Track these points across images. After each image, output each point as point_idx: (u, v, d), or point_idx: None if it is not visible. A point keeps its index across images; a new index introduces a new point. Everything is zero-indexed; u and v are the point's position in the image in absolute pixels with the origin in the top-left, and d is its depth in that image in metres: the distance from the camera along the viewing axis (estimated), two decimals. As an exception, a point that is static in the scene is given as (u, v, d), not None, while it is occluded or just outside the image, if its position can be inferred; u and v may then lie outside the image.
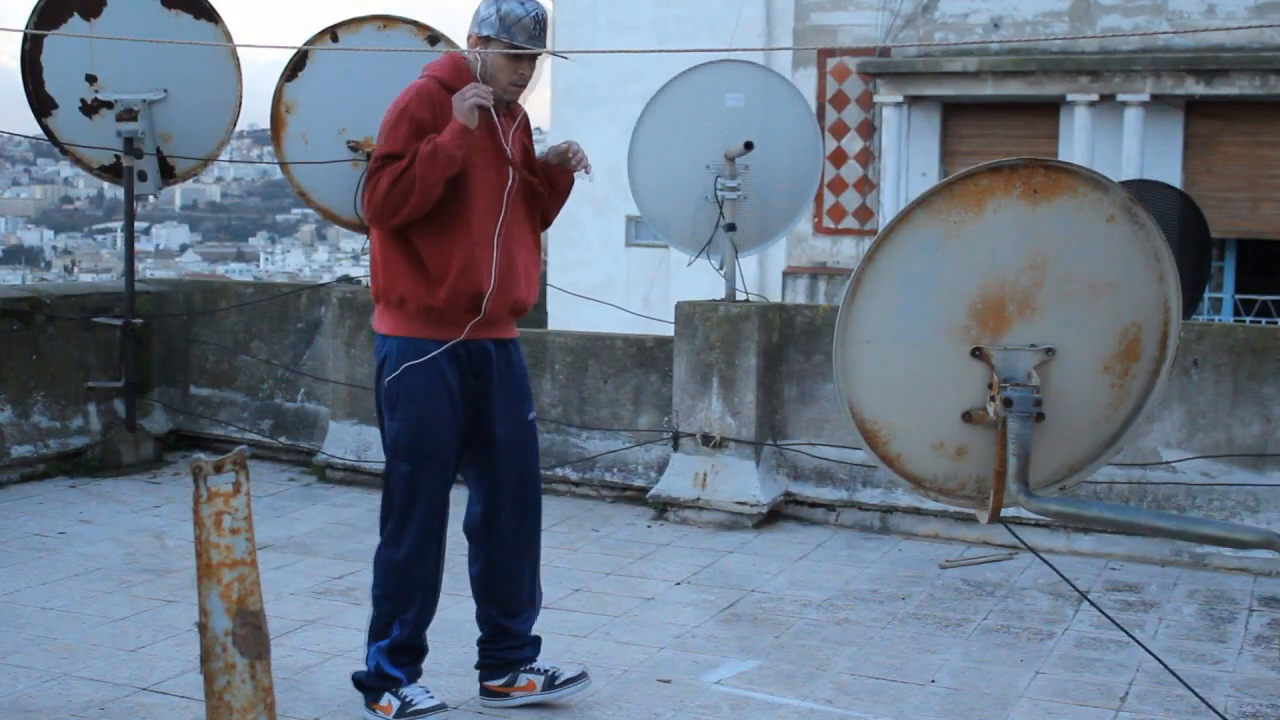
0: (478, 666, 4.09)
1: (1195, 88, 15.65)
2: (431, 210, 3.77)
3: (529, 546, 4.06)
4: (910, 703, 4.13)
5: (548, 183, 4.02)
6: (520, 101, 4.01)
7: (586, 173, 3.99)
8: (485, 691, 4.06)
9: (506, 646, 4.04)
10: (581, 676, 4.04)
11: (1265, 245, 16.47)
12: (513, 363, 4.00)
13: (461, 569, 4.56)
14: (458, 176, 3.77)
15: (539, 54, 3.84)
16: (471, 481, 4.03)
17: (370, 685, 3.92)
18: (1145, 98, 15.72)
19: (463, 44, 4.02)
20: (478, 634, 4.10)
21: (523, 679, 4.03)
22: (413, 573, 3.88)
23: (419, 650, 3.97)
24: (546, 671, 4.03)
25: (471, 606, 4.11)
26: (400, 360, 3.84)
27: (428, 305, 3.81)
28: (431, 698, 3.90)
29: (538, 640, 4.11)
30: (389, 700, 3.87)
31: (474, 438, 3.95)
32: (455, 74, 3.86)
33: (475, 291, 3.81)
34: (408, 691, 3.88)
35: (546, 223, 4.11)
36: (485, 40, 3.82)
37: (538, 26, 3.81)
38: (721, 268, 6.47)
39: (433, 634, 4.02)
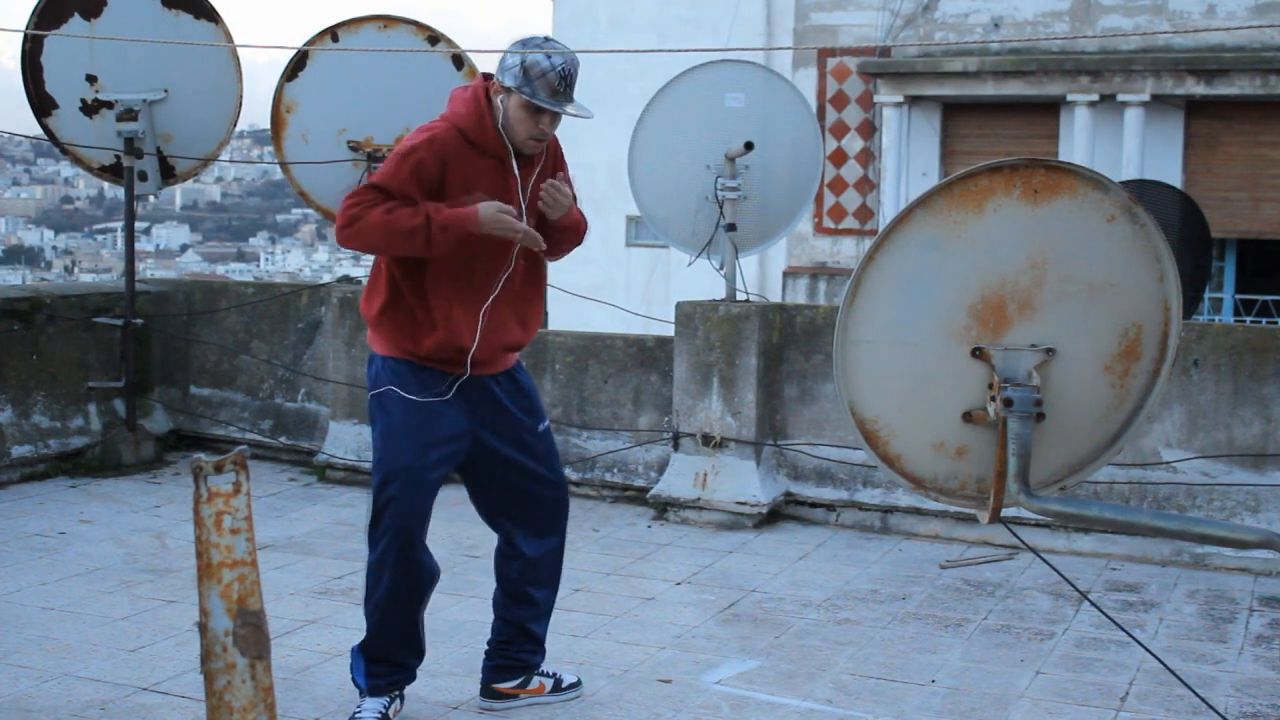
0: (488, 668, 4.07)
1: (1195, 88, 15.66)
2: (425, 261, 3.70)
3: (559, 551, 4.06)
4: (910, 703, 4.13)
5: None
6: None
7: (549, 208, 3.83)
8: (492, 693, 4.04)
9: (527, 649, 4.04)
10: (578, 684, 4.13)
11: (1265, 245, 16.47)
12: (516, 387, 3.94)
13: (463, 569, 4.58)
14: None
15: (559, 112, 3.68)
16: (498, 499, 3.97)
17: (353, 681, 3.93)
18: (1145, 98, 15.72)
19: (463, 44, 3.95)
20: (487, 635, 4.09)
21: (535, 681, 4.06)
22: (380, 581, 3.82)
23: (394, 664, 3.88)
24: (554, 675, 4.09)
25: (471, 606, 4.11)
26: (385, 379, 3.80)
27: (410, 350, 3.76)
28: None
29: (545, 645, 4.13)
30: (356, 705, 3.88)
31: (479, 456, 3.89)
32: (479, 125, 3.70)
33: (458, 346, 3.75)
34: (365, 704, 3.85)
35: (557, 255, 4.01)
36: (507, 90, 3.67)
37: (563, 82, 3.63)
38: (721, 268, 6.47)
39: (433, 634, 4.02)
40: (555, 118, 3.70)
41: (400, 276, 3.75)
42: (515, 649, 4.03)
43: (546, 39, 3.70)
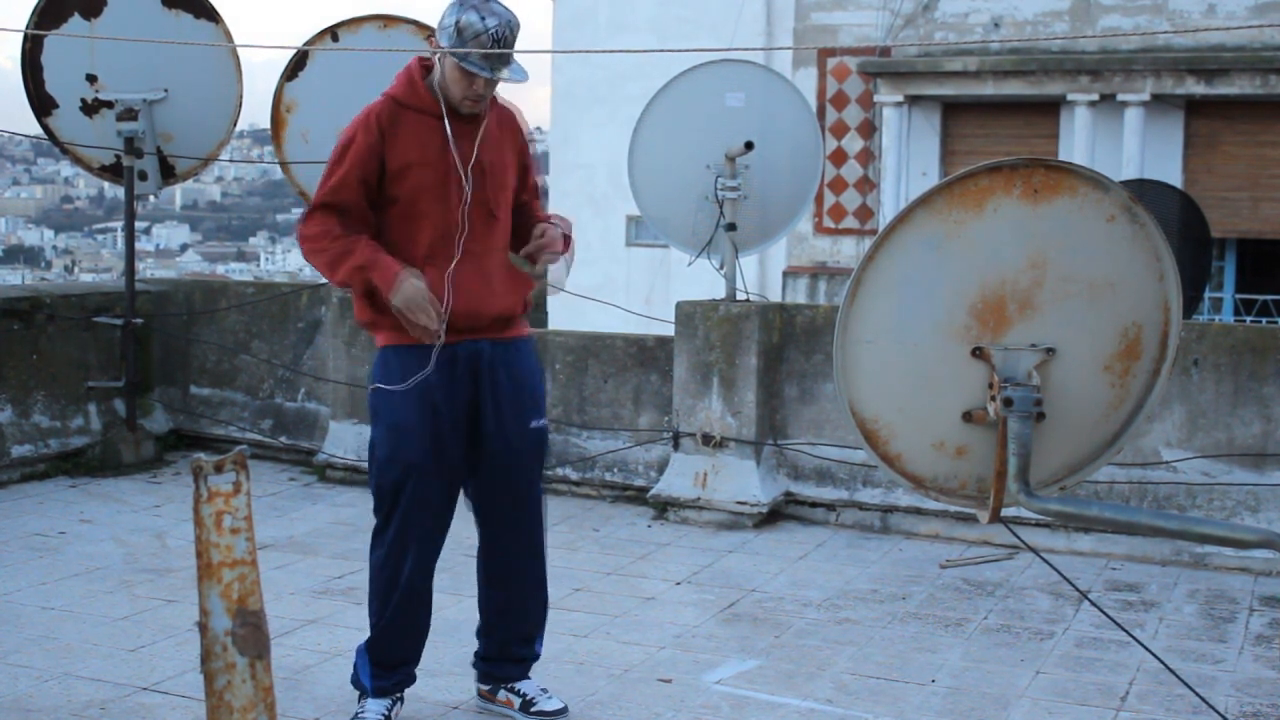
0: (473, 666, 4.06)
1: (1195, 88, 15.66)
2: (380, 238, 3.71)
3: (531, 572, 3.94)
4: (910, 703, 4.13)
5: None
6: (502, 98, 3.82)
7: (539, 263, 3.82)
8: (478, 691, 4.05)
9: (495, 662, 4.00)
10: (562, 712, 3.93)
11: (1265, 245, 16.48)
12: (513, 365, 3.82)
13: (462, 567, 4.56)
14: (402, 200, 3.67)
15: (491, 79, 3.61)
16: (471, 499, 3.92)
17: (353, 682, 3.91)
18: (1145, 97, 15.73)
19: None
20: (477, 638, 4.07)
21: (502, 694, 3.97)
22: (392, 579, 3.78)
23: (401, 666, 3.87)
24: (526, 695, 3.94)
25: (471, 606, 4.10)
26: (383, 368, 3.77)
27: (395, 324, 3.72)
28: None
29: (528, 662, 4.00)
30: (358, 705, 3.85)
31: (470, 448, 3.82)
32: (410, 89, 3.70)
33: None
34: (368, 705, 3.82)
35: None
36: (442, 49, 3.62)
37: (496, 44, 3.55)
38: (722, 268, 6.46)
39: (433, 634, 4.01)
40: (490, 80, 3.64)
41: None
42: (487, 663, 3.99)
43: None
